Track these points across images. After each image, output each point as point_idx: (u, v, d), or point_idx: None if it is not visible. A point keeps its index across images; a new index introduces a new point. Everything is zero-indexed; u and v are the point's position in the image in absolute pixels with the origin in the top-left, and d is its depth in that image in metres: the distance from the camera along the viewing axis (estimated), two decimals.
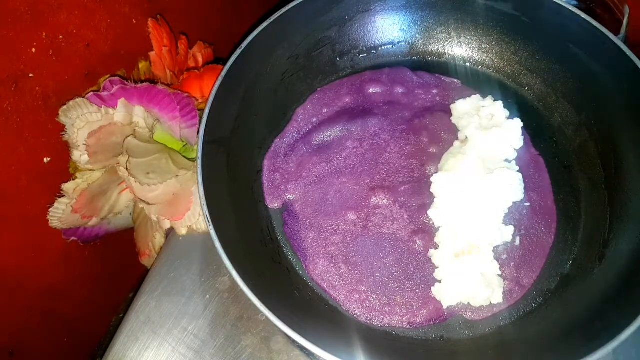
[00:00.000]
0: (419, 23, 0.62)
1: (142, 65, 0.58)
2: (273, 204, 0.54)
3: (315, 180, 0.55)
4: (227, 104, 0.51)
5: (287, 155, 0.57)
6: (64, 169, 0.51)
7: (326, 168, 0.55)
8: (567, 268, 0.49)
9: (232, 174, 0.51)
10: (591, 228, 0.50)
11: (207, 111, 0.48)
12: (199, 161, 0.46)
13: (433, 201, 0.51)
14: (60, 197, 0.50)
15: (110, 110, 0.50)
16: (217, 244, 0.42)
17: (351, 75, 0.62)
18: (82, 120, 0.48)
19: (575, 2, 0.60)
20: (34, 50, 0.44)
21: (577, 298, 0.46)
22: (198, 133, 0.48)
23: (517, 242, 0.50)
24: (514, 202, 0.51)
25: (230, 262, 0.41)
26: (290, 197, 0.54)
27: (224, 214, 0.47)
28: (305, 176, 0.55)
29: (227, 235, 0.44)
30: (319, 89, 0.61)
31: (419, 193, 0.52)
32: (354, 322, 0.47)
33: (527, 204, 0.52)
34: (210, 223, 0.43)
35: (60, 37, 0.46)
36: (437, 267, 0.49)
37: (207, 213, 0.43)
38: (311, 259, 0.50)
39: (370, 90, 0.60)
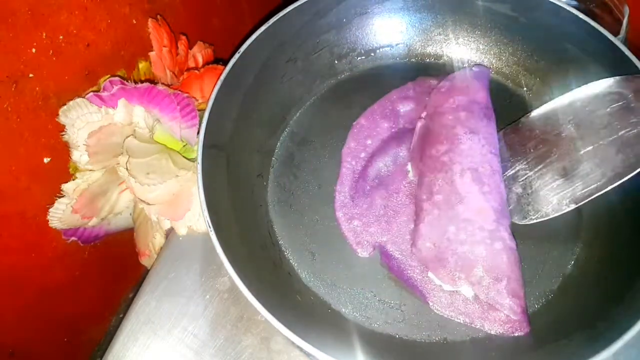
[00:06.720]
0: (416, 25, 0.62)
1: (142, 65, 0.58)
2: (364, 253, 0.50)
3: (393, 214, 0.51)
4: (226, 108, 0.51)
5: (354, 199, 0.53)
6: (64, 169, 0.51)
7: (399, 199, 0.52)
8: (569, 268, 0.49)
9: (232, 178, 0.51)
10: (593, 228, 0.50)
11: (206, 116, 0.48)
12: (199, 166, 0.46)
13: None
14: (60, 197, 0.50)
15: (110, 110, 0.50)
16: (219, 249, 0.42)
17: (351, 76, 0.62)
18: (82, 120, 0.48)
19: (574, 3, 0.60)
20: (34, 50, 0.44)
21: (579, 298, 0.46)
22: (198, 135, 0.47)
23: None
24: None
25: (232, 267, 0.41)
26: (378, 239, 0.51)
27: (225, 218, 0.47)
28: (383, 214, 0.51)
29: (228, 240, 0.44)
30: (353, 124, 0.58)
31: None
32: (356, 325, 0.47)
33: None
34: (212, 228, 0.43)
35: (60, 37, 0.46)
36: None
37: (208, 218, 0.43)
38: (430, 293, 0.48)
39: (403, 109, 0.58)
